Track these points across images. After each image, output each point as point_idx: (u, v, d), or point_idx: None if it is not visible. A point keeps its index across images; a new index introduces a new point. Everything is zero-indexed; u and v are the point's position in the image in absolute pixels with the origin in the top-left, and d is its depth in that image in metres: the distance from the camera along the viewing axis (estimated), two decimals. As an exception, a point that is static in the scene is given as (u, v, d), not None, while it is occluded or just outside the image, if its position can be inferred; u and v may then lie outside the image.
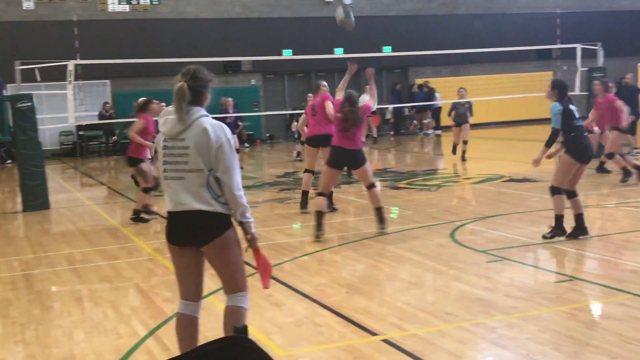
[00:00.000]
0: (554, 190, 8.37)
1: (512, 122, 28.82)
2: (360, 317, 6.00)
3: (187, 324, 4.67)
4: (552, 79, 8.78)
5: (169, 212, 4.51)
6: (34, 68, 14.13)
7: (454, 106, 17.80)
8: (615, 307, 5.94)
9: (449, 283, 6.98)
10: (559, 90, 8.37)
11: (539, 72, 30.42)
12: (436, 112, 28.24)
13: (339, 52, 27.60)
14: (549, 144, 8.33)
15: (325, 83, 11.56)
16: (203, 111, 4.45)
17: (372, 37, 28.71)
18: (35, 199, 13.03)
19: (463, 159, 17.33)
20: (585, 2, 31.98)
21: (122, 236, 10.29)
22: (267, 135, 28.14)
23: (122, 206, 13.45)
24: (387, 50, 28.23)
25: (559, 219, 8.37)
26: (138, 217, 11.10)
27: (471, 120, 17.44)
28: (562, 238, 8.35)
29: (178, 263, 4.60)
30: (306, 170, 11.48)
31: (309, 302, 6.54)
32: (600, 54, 17.44)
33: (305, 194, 11.35)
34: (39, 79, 14.26)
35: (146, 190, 11.16)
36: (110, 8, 25.98)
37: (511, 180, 13.80)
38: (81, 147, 25.19)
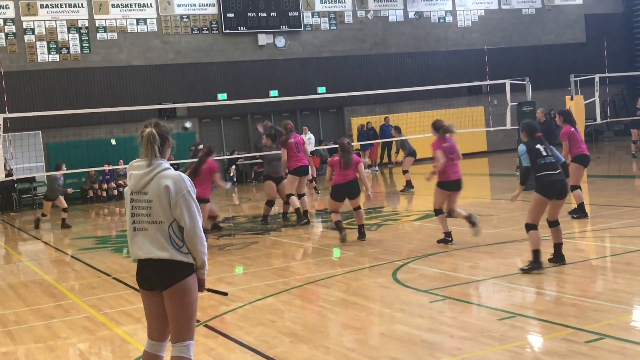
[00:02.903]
0: (528, 227, 8.67)
1: (448, 157, 29.22)
2: (305, 367, 5.90)
3: None
4: (522, 123, 9.31)
5: (137, 260, 4.84)
6: (-40, 123, 13.75)
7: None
8: (559, 342, 5.98)
9: (393, 326, 6.94)
10: (527, 131, 8.93)
11: (470, 107, 31.11)
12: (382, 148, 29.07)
13: (274, 95, 27.73)
14: (522, 181, 8.92)
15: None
16: (165, 164, 4.79)
17: (306, 78, 28.97)
18: (-35, 258, 12.58)
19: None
20: (511, 38, 32.91)
21: (57, 293, 9.98)
22: (205, 180, 27.88)
23: (58, 261, 13.08)
24: (321, 91, 28.48)
25: (536, 253, 8.57)
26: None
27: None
28: (540, 271, 8.50)
29: (146, 305, 4.92)
30: (289, 195, 14.17)
31: (253, 355, 6.41)
32: (529, 88, 17.91)
33: (298, 210, 14.18)
34: (-34, 133, 13.89)
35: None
36: (39, 58, 25.57)
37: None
38: (15, 201, 24.47)
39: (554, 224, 8.89)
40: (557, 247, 8.91)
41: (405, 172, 19.05)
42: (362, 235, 11.86)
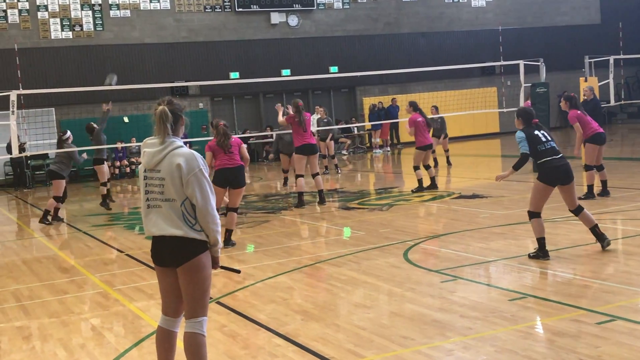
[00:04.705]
0: (531, 215, 8.40)
1: (459, 138, 29.15)
2: (316, 345, 5.94)
3: (164, 337, 4.98)
4: (517, 109, 8.92)
5: (152, 237, 4.89)
6: (-26, 99, 13.82)
7: None
8: (569, 323, 5.99)
9: (404, 305, 6.97)
10: (523, 118, 8.56)
11: (483, 88, 30.96)
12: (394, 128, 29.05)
13: (286, 74, 27.68)
14: (516, 167, 8.50)
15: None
16: (178, 142, 4.81)
17: (318, 58, 28.89)
18: (-21, 233, 12.68)
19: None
20: (525, 18, 32.66)
21: (71, 269, 10.06)
22: (217, 158, 27.94)
23: (72, 237, 13.18)
24: (334, 71, 28.39)
25: (540, 241, 8.34)
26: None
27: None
28: (547, 260, 8.24)
29: (161, 281, 4.97)
30: (297, 176, 13.93)
31: (265, 332, 6.46)
32: (543, 69, 17.79)
33: (301, 194, 13.97)
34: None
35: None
36: (52, 35, 25.62)
37: (461, 196, 13.93)
38: (28, 177, 24.62)
39: (577, 211, 8.52)
40: (593, 230, 8.52)
41: (447, 150, 20.39)
42: (227, 242, 10.50)
